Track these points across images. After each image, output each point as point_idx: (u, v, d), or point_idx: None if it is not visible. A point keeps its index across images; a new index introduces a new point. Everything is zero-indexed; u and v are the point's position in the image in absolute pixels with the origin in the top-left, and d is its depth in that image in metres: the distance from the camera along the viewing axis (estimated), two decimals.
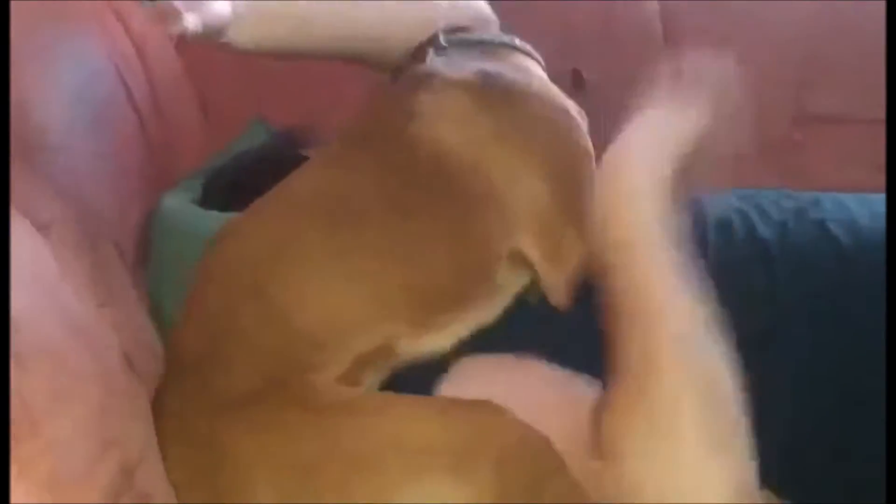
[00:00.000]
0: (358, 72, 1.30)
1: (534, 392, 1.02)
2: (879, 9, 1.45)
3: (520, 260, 1.06)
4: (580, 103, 1.16)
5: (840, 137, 1.50)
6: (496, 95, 1.09)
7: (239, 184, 1.19)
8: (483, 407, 0.94)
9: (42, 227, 0.95)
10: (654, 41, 1.51)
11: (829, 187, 1.21)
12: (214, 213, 1.17)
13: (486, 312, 1.05)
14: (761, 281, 1.09)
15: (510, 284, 1.07)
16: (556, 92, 1.15)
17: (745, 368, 1.05)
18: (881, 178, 1.16)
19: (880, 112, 1.41)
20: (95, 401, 0.89)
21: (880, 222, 1.10)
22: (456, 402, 0.96)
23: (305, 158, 1.24)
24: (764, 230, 1.12)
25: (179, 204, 1.20)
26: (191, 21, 1.09)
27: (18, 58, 1.04)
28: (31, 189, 0.97)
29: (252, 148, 1.31)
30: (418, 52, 1.17)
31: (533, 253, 1.06)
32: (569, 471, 0.92)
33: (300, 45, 1.21)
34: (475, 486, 0.89)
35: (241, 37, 1.15)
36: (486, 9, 1.27)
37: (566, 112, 1.12)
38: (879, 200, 1.13)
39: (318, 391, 0.96)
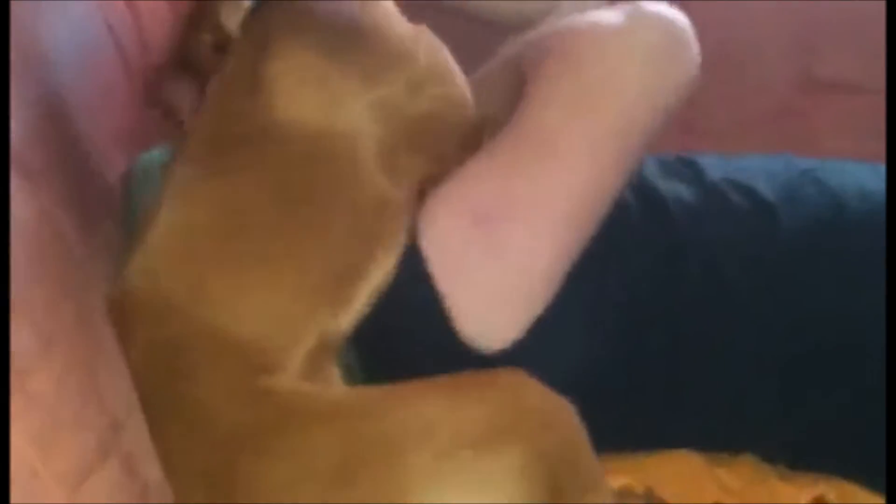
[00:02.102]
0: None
1: None
2: None
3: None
4: None
5: (847, 105, 1.49)
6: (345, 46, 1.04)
7: None
8: (499, 380, 0.92)
9: (28, 175, 0.91)
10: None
11: (835, 155, 1.20)
12: None
13: (388, 265, 1.02)
14: (765, 235, 1.09)
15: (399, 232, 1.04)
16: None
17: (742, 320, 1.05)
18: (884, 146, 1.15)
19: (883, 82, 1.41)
20: (82, 356, 0.86)
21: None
22: (467, 381, 0.94)
23: None
24: (768, 193, 1.11)
25: (155, 159, 1.16)
26: None
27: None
28: (19, 135, 0.93)
29: None
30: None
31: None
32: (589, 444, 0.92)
33: None
34: (504, 463, 0.87)
35: None
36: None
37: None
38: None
39: (305, 394, 0.94)
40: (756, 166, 1.16)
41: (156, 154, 1.16)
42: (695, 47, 1.08)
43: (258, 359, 0.95)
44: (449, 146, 1.07)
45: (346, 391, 0.98)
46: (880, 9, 1.44)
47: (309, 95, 1.00)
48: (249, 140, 1.01)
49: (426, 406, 0.91)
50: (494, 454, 0.87)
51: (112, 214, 1.09)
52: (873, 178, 1.14)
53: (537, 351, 1.01)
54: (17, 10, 0.97)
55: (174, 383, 0.95)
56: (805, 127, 1.47)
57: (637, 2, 1.08)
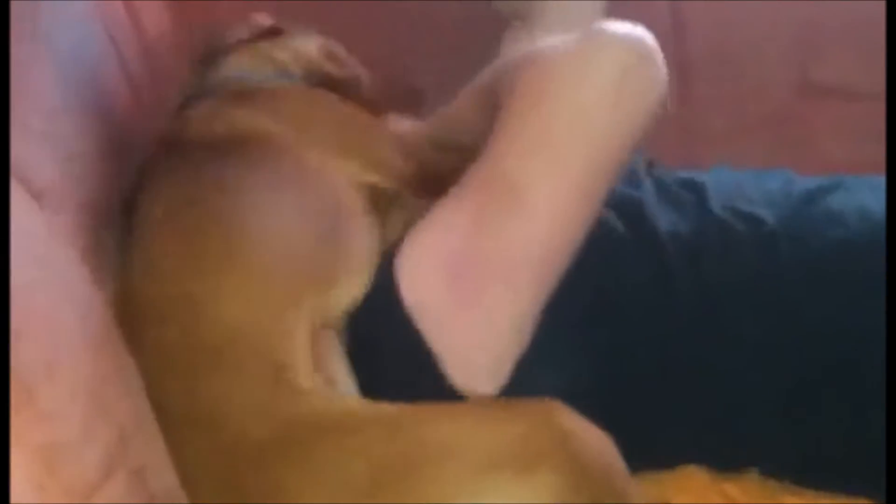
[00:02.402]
0: (362, 30, 1.30)
1: None
2: None
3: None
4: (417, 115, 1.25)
5: (845, 109, 1.49)
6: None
7: None
8: (531, 404, 0.93)
9: (37, 195, 0.93)
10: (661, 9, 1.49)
11: (834, 161, 1.20)
12: None
13: (370, 246, 1.07)
14: (765, 263, 1.08)
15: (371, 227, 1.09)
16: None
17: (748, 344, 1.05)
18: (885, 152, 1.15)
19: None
20: (89, 371, 0.87)
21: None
22: (501, 402, 0.95)
23: None
24: (769, 219, 1.11)
25: None
26: None
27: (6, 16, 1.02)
28: (28, 155, 0.95)
29: None
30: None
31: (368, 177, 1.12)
32: (624, 466, 0.92)
33: None
34: (538, 482, 0.87)
35: None
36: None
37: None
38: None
39: (327, 407, 0.95)
40: (757, 188, 1.16)
41: None
42: (661, 66, 1.04)
43: (269, 355, 0.96)
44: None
45: (373, 404, 0.98)
46: (879, 12, 1.44)
47: None
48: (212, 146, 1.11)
49: (457, 424, 0.92)
50: (529, 474, 0.87)
51: (117, 223, 1.10)
52: (873, 196, 1.13)
53: (529, 377, 1.02)
54: (17, 12, 0.99)
55: (187, 387, 0.96)
56: (803, 131, 1.47)
57: (599, 25, 1.05)
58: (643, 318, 1.07)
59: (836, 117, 1.49)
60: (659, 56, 1.03)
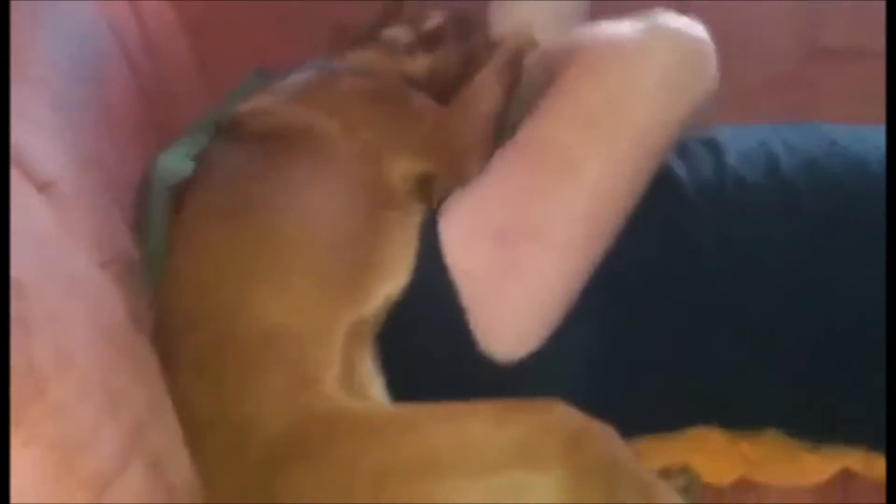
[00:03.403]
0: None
1: None
2: None
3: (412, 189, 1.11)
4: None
5: (852, 70, 1.48)
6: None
7: None
8: (536, 404, 0.93)
9: (43, 187, 0.93)
10: None
11: (841, 120, 1.19)
12: None
13: (401, 257, 1.06)
14: (788, 214, 1.08)
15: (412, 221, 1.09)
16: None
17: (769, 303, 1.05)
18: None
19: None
20: (101, 363, 0.88)
21: None
22: (507, 404, 0.95)
23: None
24: (789, 164, 1.11)
25: (175, 162, 1.18)
26: None
27: (12, 14, 1.02)
28: (32, 147, 0.95)
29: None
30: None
31: (417, 166, 1.12)
32: (638, 459, 0.93)
33: None
34: (548, 478, 0.88)
35: None
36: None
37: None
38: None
39: (348, 408, 0.96)
40: (776, 138, 1.16)
41: (173, 156, 1.17)
42: (713, 63, 1.09)
43: (300, 361, 0.97)
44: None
45: (388, 405, 1.00)
46: None
47: None
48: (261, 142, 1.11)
49: (470, 424, 0.92)
50: (539, 473, 0.88)
51: (128, 219, 1.10)
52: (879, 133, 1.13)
53: (551, 343, 1.03)
54: (17, 18, 0.99)
55: (216, 392, 0.97)
56: (810, 95, 1.46)
57: (658, 16, 1.09)
58: (664, 271, 1.08)
59: (843, 79, 1.48)
60: (712, 54, 1.08)
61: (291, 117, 1.13)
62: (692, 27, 1.09)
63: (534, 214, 1.04)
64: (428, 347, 1.05)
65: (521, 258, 1.03)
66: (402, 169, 1.10)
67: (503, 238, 1.04)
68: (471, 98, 1.15)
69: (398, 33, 1.28)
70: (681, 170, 1.11)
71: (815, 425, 1.08)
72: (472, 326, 1.03)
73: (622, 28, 1.08)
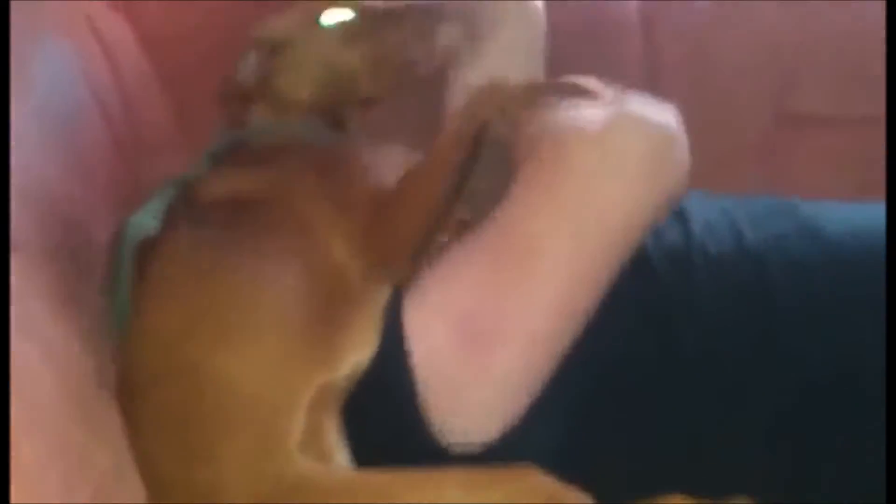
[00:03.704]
0: None
1: None
2: (863, 4, 1.45)
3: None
4: None
5: (824, 138, 1.49)
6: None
7: None
8: (511, 471, 0.93)
9: (13, 246, 0.93)
10: (634, 40, 1.50)
11: (813, 189, 1.21)
12: None
13: (372, 328, 1.04)
14: (755, 285, 1.09)
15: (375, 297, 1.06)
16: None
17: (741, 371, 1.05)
18: (867, 179, 1.14)
19: (865, 110, 1.41)
20: (68, 425, 0.88)
21: (879, 227, 1.09)
22: (481, 470, 0.95)
23: None
24: (754, 239, 1.11)
25: (146, 220, 1.18)
26: None
27: None
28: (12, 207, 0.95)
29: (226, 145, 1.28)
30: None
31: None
32: None
33: None
34: None
35: None
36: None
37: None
38: (874, 208, 1.12)
39: (311, 475, 0.95)
40: (739, 209, 1.16)
41: (143, 216, 1.17)
42: (685, 151, 1.08)
43: (267, 424, 0.97)
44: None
45: (358, 472, 0.99)
46: (852, 41, 1.46)
47: None
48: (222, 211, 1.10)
49: (444, 491, 0.92)
50: None
51: (99, 277, 1.10)
52: (857, 213, 1.14)
53: (515, 424, 1.03)
54: None
55: (182, 453, 0.96)
56: (783, 162, 1.47)
57: (628, 101, 1.08)
58: (633, 341, 1.07)
59: (815, 146, 1.49)
60: (684, 142, 1.07)
61: (249, 187, 1.11)
62: (662, 113, 1.08)
63: (499, 306, 1.02)
64: (386, 426, 1.04)
65: (484, 351, 1.02)
66: (343, 253, 1.06)
67: (467, 328, 1.02)
68: (417, 183, 1.08)
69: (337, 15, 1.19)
70: (648, 238, 1.10)
71: (785, 493, 1.09)
72: (428, 413, 1.02)
73: (591, 115, 1.07)
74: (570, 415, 1.05)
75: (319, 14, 1.18)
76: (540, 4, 1.26)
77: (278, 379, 0.98)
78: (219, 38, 1.40)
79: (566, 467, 0.95)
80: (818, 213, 1.14)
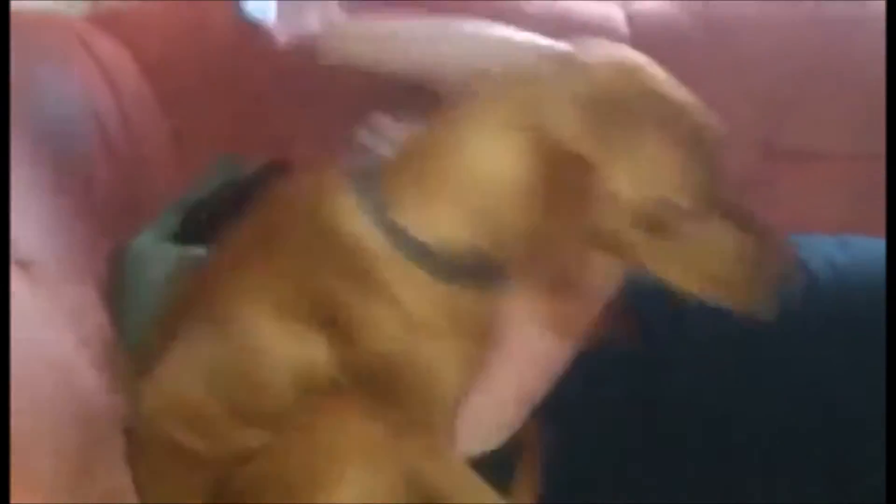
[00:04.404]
0: (331, 102, 1.32)
1: None
2: (849, 40, 1.49)
3: None
4: None
5: (812, 173, 1.52)
6: None
7: (219, 216, 1.18)
8: None
9: (22, 265, 0.95)
10: None
11: (801, 224, 1.22)
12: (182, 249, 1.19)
13: None
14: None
15: None
16: None
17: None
18: (855, 214, 1.16)
19: (852, 146, 1.44)
20: (76, 443, 0.89)
21: (860, 263, 1.12)
22: None
23: None
24: None
25: (149, 244, 1.21)
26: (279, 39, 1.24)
27: None
28: (13, 226, 0.96)
29: (233, 180, 1.31)
30: None
31: None
32: None
33: (380, 67, 1.28)
34: None
35: (330, 49, 1.27)
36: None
37: None
38: (857, 242, 1.15)
39: None
40: None
41: (143, 239, 1.19)
42: None
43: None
44: None
45: None
46: (836, 78, 1.49)
47: None
48: None
49: None
50: None
51: (102, 297, 1.12)
52: (840, 250, 1.15)
53: None
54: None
55: None
56: (769, 195, 1.49)
57: None
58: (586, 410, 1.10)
59: (801, 179, 1.52)
60: None
61: None
62: None
63: None
64: None
65: None
66: None
67: None
68: None
69: None
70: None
71: None
72: None
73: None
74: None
75: None
76: None
77: None
78: (217, 60, 1.43)
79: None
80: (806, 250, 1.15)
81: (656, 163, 0.89)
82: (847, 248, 1.16)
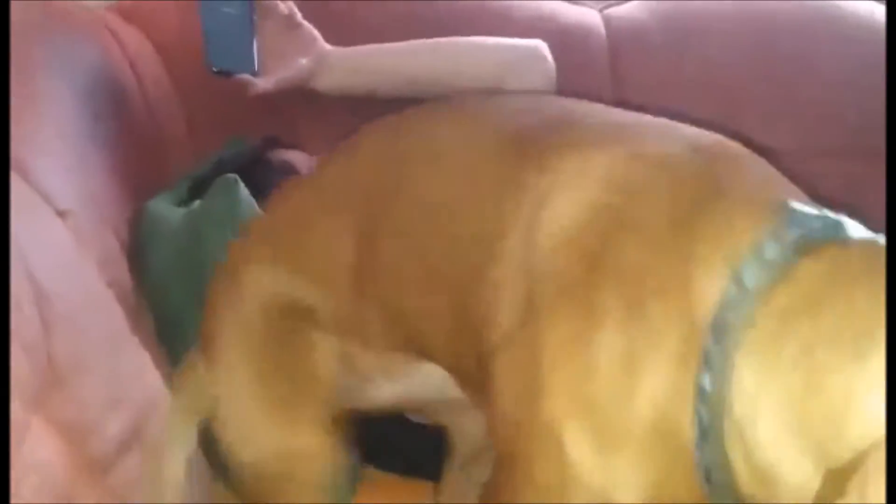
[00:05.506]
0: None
1: None
2: (815, 42, 1.62)
3: None
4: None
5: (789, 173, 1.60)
6: None
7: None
8: None
9: (61, 214, 1.07)
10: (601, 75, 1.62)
11: None
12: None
13: None
14: None
15: None
16: None
17: None
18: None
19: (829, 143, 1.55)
20: (110, 362, 1.02)
21: None
22: None
23: (284, 162, 1.37)
24: None
25: (162, 207, 1.31)
26: (261, 85, 1.28)
27: (34, 60, 1.18)
28: (52, 179, 1.09)
29: (233, 152, 1.41)
30: None
31: None
32: None
33: (377, 92, 1.34)
34: None
35: (324, 85, 1.31)
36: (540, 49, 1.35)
37: None
38: None
39: None
40: None
41: (157, 204, 1.30)
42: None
43: None
44: None
45: None
46: (797, 76, 1.61)
47: None
48: None
49: None
50: None
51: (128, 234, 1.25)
52: None
53: None
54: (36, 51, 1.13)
55: None
56: None
57: None
58: None
59: None
60: None
61: None
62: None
63: None
64: None
65: None
66: None
67: None
68: None
69: None
70: None
71: None
72: None
73: None
74: None
75: None
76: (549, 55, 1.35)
77: None
78: None
79: None
80: None
81: None
82: None
